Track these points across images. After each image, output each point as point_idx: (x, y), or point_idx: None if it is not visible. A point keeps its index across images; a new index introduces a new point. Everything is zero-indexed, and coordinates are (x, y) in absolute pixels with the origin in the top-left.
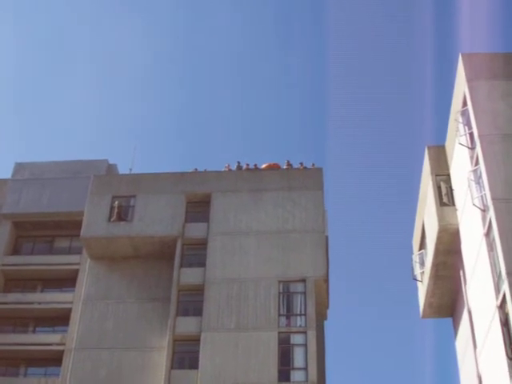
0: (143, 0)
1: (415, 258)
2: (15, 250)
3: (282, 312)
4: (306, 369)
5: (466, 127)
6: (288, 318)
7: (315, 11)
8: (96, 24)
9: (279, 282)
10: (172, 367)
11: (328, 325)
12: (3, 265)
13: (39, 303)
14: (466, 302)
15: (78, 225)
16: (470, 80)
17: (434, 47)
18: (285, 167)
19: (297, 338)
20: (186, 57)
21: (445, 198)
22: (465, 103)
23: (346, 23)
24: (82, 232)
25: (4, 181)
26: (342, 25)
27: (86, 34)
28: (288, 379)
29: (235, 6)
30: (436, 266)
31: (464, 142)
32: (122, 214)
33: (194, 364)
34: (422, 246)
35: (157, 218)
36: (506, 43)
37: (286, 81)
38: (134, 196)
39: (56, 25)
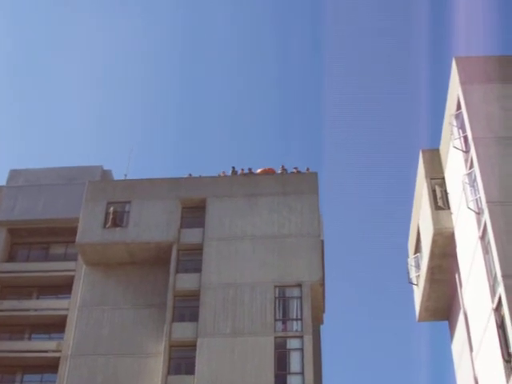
0: (142, 2)
1: (411, 261)
2: (10, 257)
3: (278, 317)
4: (302, 373)
5: (461, 130)
6: (284, 322)
7: (312, 13)
8: (94, 28)
9: (275, 286)
10: (168, 373)
11: (324, 329)
12: None
13: (35, 310)
14: (461, 305)
15: (73, 231)
16: (463, 83)
17: (430, 50)
18: (279, 172)
19: (293, 343)
20: (180, 63)
21: (440, 202)
22: (459, 106)
23: (342, 26)
24: (78, 238)
25: None
26: (338, 27)
27: (83, 38)
28: None
29: (234, 6)
30: (431, 269)
31: (458, 146)
32: (117, 219)
33: (190, 370)
34: (418, 249)
35: (152, 224)
36: (500, 46)
37: (281, 84)
38: (129, 202)
39: (55, 26)
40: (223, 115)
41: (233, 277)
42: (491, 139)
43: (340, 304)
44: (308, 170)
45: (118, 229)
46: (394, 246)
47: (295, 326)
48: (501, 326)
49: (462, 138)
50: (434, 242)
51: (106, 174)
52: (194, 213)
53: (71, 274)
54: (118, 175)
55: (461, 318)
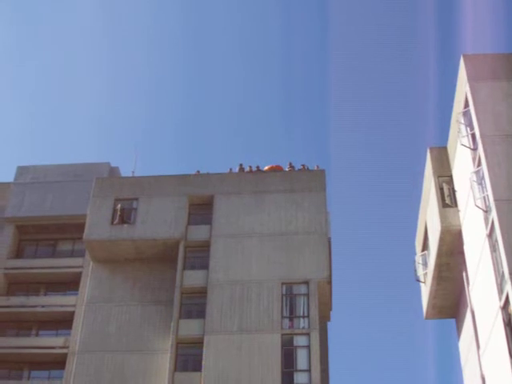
0: (144, 3)
1: (418, 259)
2: (18, 254)
3: (285, 314)
4: (309, 371)
5: (468, 128)
6: (291, 319)
7: (319, 10)
8: (98, 27)
9: (282, 283)
10: (175, 370)
11: (331, 326)
12: (6, 268)
13: (42, 306)
14: (469, 302)
15: (80, 228)
16: (471, 81)
17: (437, 48)
18: (287, 169)
19: (300, 340)
20: (186, 59)
21: (447, 199)
22: (467, 104)
23: (348, 24)
24: (85, 235)
25: (7, 184)
26: (344, 26)
27: (88, 37)
28: (291, 381)
29: (237, 4)
30: (439, 267)
31: (466, 143)
32: (124, 216)
33: (197, 367)
34: (425, 247)
35: (159, 221)
36: (508, 44)
37: (288, 82)
38: (136, 199)
39: (58, 27)
40: (230, 112)
41: (240, 274)
42: (499, 137)
43: (347, 301)
44: (317, 167)
45: (125, 225)
46: (401, 244)
47: (302, 323)
48: (508, 324)
49: (469, 136)
50: (442, 239)
51: (113, 171)
52: (201, 210)
53: (78, 270)
54: (125, 172)
55: (468, 315)
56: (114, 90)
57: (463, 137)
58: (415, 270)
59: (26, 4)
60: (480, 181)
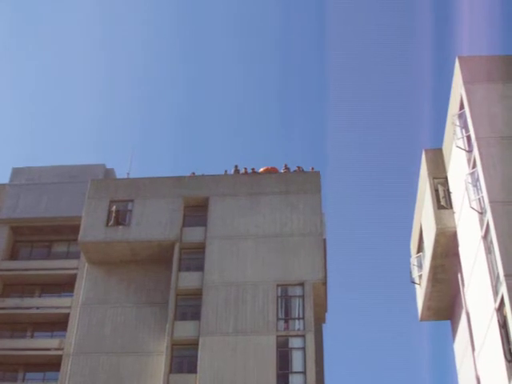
0: (143, 3)
1: (413, 261)
2: (13, 255)
3: (280, 316)
4: (304, 372)
5: (463, 130)
6: (286, 321)
7: (316, 11)
8: (95, 27)
9: (277, 285)
10: (170, 371)
11: (326, 328)
12: (1, 270)
13: (37, 308)
14: (464, 304)
15: (75, 229)
16: (466, 83)
17: (433, 49)
18: (282, 171)
19: (295, 342)
20: (183, 61)
21: (442, 201)
22: (462, 106)
23: (346, 25)
24: (80, 236)
25: (2, 186)
26: (341, 27)
27: (84, 37)
28: (287, 383)
29: (235, 4)
30: (434, 268)
31: (461, 145)
32: (119, 218)
33: (192, 368)
34: (420, 248)
35: (154, 223)
36: (504, 46)
37: (285, 83)
38: (131, 200)
39: (56, 26)
40: (226, 114)
41: (235, 275)
42: (494, 139)
43: (342, 303)
44: (312, 169)
45: (120, 227)
46: (396, 246)
47: (297, 324)
48: (503, 326)
49: (464, 138)
50: (437, 241)
51: (108, 173)
52: (196, 211)
53: (74, 272)
54: (120, 174)
55: (463, 317)
56: (110, 91)
57: (458, 139)
58: (410, 272)
59: (26, 4)
60: (475, 182)
